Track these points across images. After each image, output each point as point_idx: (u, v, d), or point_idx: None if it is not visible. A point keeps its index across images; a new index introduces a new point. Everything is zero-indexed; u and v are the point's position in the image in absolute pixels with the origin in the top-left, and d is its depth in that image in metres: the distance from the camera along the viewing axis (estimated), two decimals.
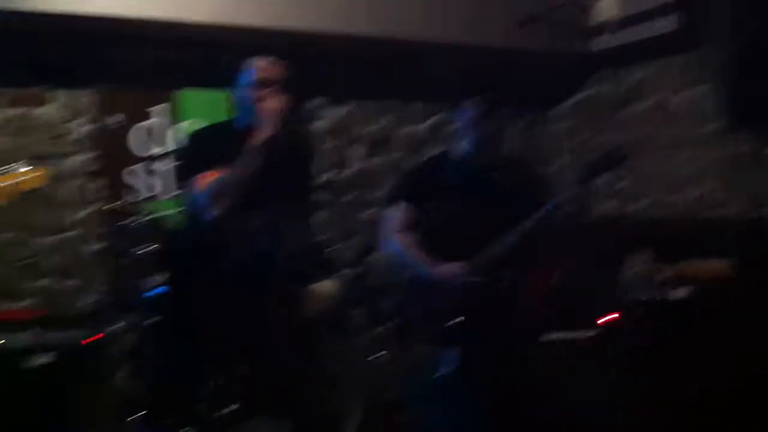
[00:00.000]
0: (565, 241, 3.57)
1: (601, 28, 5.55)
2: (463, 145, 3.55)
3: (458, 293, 3.38)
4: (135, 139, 5.14)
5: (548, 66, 5.96)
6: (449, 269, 3.42)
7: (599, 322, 4.43)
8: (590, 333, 4.40)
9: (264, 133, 2.97)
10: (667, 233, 4.98)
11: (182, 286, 3.24)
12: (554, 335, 4.35)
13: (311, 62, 5.41)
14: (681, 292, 4.53)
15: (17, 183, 3.14)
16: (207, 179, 3.02)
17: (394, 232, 3.58)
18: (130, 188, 5.10)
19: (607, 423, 4.15)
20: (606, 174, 3.41)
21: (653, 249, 4.78)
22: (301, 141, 3.35)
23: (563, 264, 4.73)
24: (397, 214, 3.60)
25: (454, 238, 3.45)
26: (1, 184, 3.11)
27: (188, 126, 5.14)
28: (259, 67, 3.17)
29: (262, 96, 3.09)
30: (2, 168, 3.16)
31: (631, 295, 4.66)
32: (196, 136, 3.35)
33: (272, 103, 3.04)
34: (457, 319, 3.40)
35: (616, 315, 4.37)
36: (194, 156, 3.19)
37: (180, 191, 3.24)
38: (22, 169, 3.16)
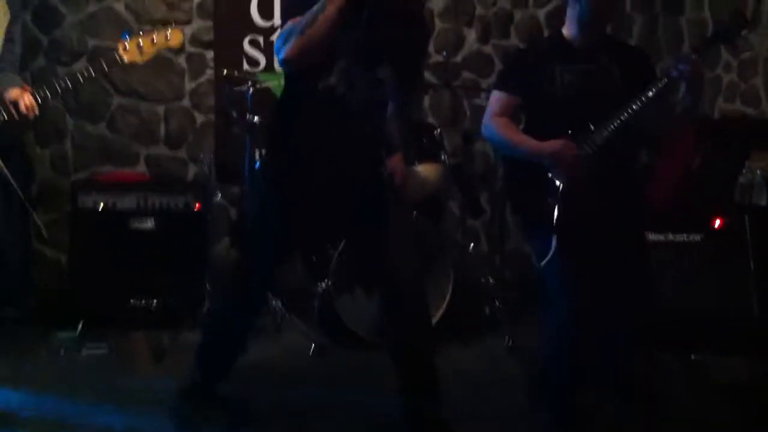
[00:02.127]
0: (685, 123, 3.27)
1: None
2: (573, 23, 3.23)
3: (567, 170, 3.07)
4: (253, 7, 5.11)
5: None
6: (557, 145, 3.10)
7: (714, 223, 4.25)
8: (702, 235, 4.23)
9: None
10: None
11: (278, 149, 3.19)
12: (663, 236, 4.22)
13: None
14: None
15: (162, 40, 3.40)
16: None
17: (492, 117, 3.29)
18: (245, 58, 5.11)
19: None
20: (731, 41, 3.08)
21: None
22: (418, 11, 3.10)
23: (693, 153, 4.51)
24: (497, 100, 3.32)
25: (562, 124, 3.13)
26: (149, 40, 3.36)
27: None
28: None
29: None
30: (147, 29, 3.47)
31: (749, 198, 4.43)
32: None
33: None
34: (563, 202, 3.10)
35: (723, 219, 4.16)
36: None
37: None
38: (165, 30, 3.43)
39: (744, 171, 4.49)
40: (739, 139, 4.82)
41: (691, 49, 3.11)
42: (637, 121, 3.08)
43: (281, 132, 3.10)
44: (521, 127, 3.38)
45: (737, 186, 4.49)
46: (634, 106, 3.05)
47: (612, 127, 3.08)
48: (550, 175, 3.13)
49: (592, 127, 3.10)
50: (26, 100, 3.40)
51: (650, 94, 3.04)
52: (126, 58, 3.36)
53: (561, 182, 3.10)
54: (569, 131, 3.12)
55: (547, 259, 3.12)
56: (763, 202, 4.38)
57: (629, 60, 3.26)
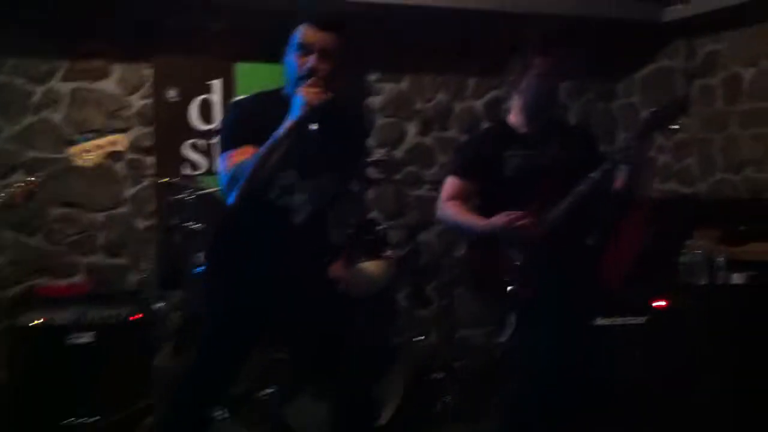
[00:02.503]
0: (629, 204, 3.39)
1: None
2: (519, 112, 3.42)
3: (519, 242, 3.22)
4: (193, 113, 5.13)
5: (618, 36, 5.74)
6: (504, 216, 3.22)
7: (654, 305, 4.28)
8: (644, 318, 4.26)
9: (301, 110, 2.68)
10: (731, 215, 4.74)
11: (221, 262, 3.18)
12: (608, 319, 4.24)
13: (366, 34, 5.39)
14: (742, 277, 4.34)
15: (104, 146, 3.47)
16: (239, 156, 2.80)
17: (445, 201, 3.45)
18: (186, 163, 5.11)
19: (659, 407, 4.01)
20: (668, 126, 3.23)
21: (715, 230, 4.57)
22: (356, 113, 3.16)
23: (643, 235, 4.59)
24: (449, 184, 3.48)
25: (513, 206, 3.26)
26: (91, 148, 3.43)
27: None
28: (304, 31, 2.85)
29: (303, 63, 2.80)
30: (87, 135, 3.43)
31: (690, 277, 4.48)
32: (239, 105, 3.08)
33: (314, 72, 2.76)
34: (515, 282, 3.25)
35: (666, 301, 4.20)
36: (233, 127, 2.93)
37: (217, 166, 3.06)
38: (107, 136, 3.53)
39: (684, 251, 4.56)
40: (678, 219, 4.91)
41: (630, 134, 3.26)
42: (584, 203, 3.20)
43: (224, 243, 3.11)
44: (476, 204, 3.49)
45: (679, 266, 4.56)
46: (580, 189, 3.17)
47: (560, 209, 3.20)
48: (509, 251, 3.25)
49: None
50: None
51: (595, 177, 3.17)
52: (77, 163, 3.41)
53: (518, 258, 3.23)
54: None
55: (506, 335, 3.24)
56: (704, 281, 4.43)
57: (575, 141, 3.43)
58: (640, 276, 4.54)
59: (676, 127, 3.28)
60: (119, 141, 3.55)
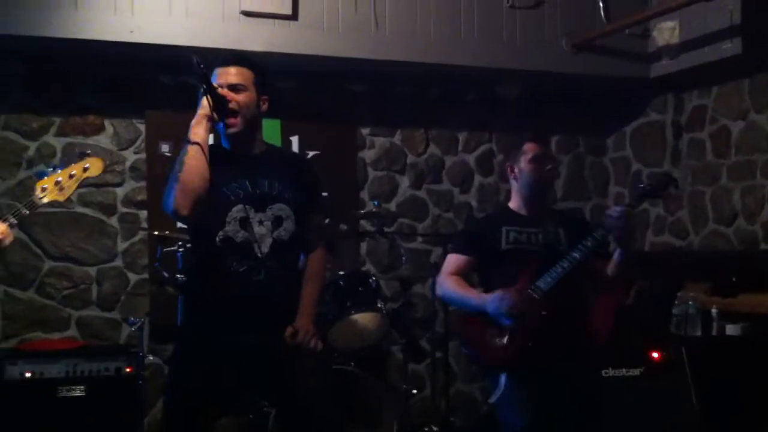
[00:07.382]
0: (621, 270, 3.39)
1: (660, 53, 5.35)
2: (517, 196, 3.56)
3: (515, 318, 3.24)
4: None
5: (606, 92, 5.81)
6: (500, 293, 3.29)
7: (653, 356, 4.27)
8: (641, 369, 4.25)
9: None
10: (722, 266, 4.76)
11: (189, 319, 3.17)
12: (608, 370, 4.23)
13: (358, 90, 5.49)
14: (735, 328, 4.35)
15: (80, 172, 3.21)
16: None
17: (446, 275, 3.52)
18: None
19: None
20: (655, 199, 3.38)
21: (708, 282, 4.59)
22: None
23: (625, 293, 4.61)
24: (450, 260, 3.56)
25: (511, 277, 3.35)
26: (67, 175, 3.19)
27: None
28: (219, 71, 3.04)
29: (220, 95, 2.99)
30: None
31: (682, 329, 4.49)
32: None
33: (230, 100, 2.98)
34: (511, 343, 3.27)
35: (661, 352, 4.21)
36: None
37: None
38: (82, 161, 3.24)
39: (677, 302, 4.57)
40: (671, 271, 4.92)
41: (623, 204, 3.40)
42: (579, 271, 3.29)
43: (191, 292, 3.10)
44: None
45: (672, 318, 4.56)
46: (575, 254, 3.27)
47: (556, 274, 3.27)
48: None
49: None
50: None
51: (589, 243, 3.28)
52: (46, 199, 3.15)
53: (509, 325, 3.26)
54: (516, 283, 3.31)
55: (497, 396, 3.27)
56: (698, 333, 4.43)
57: (571, 223, 3.56)
58: (633, 328, 4.53)
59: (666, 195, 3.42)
60: (92, 164, 3.26)
